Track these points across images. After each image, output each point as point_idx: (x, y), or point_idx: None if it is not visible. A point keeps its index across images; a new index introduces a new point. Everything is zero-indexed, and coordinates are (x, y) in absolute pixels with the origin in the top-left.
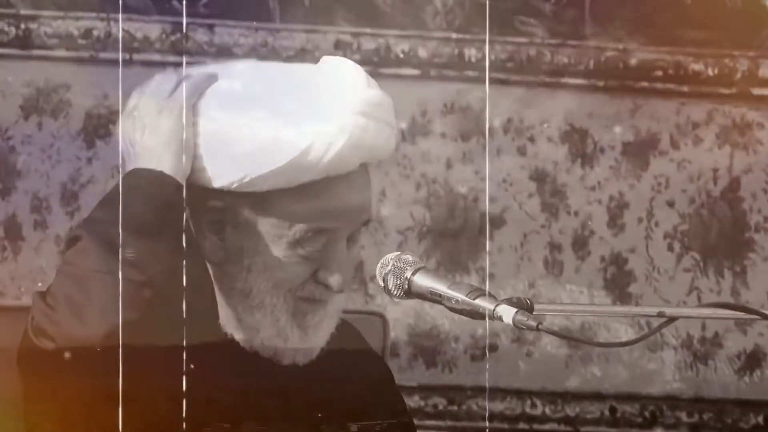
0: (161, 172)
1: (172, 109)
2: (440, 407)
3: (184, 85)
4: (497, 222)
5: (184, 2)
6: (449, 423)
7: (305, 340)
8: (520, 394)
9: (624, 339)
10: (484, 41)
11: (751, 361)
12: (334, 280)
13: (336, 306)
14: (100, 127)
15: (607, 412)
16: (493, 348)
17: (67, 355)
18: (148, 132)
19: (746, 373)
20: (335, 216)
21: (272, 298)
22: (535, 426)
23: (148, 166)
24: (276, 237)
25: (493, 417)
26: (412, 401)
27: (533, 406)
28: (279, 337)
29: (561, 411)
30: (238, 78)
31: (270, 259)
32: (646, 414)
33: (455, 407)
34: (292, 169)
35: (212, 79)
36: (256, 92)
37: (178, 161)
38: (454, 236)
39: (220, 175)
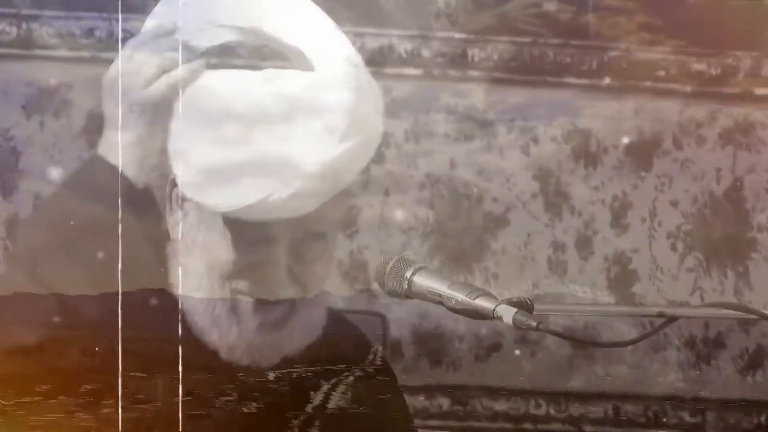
0: (119, 170)
1: (145, 108)
2: (444, 407)
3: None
4: (501, 222)
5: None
6: (453, 423)
7: (258, 341)
8: (523, 394)
9: (627, 339)
10: (487, 41)
11: (753, 361)
12: (254, 281)
13: (311, 310)
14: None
15: (610, 412)
16: (497, 348)
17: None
18: (117, 123)
19: (749, 373)
20: (263, 213)
21: (207, 284)
22: (539, 426)
23: (111, 160)
24: (209, 217)
25: (497, 417)
26: (417, 401)
27: (537, 406)
28: (217, 333)
29: (565, 411)
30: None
31: (202, 237)
32: (650, 414)
33: (460, 407)
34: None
35: (197, 73)
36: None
37: (140, 161)
38: (458, 236)
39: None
